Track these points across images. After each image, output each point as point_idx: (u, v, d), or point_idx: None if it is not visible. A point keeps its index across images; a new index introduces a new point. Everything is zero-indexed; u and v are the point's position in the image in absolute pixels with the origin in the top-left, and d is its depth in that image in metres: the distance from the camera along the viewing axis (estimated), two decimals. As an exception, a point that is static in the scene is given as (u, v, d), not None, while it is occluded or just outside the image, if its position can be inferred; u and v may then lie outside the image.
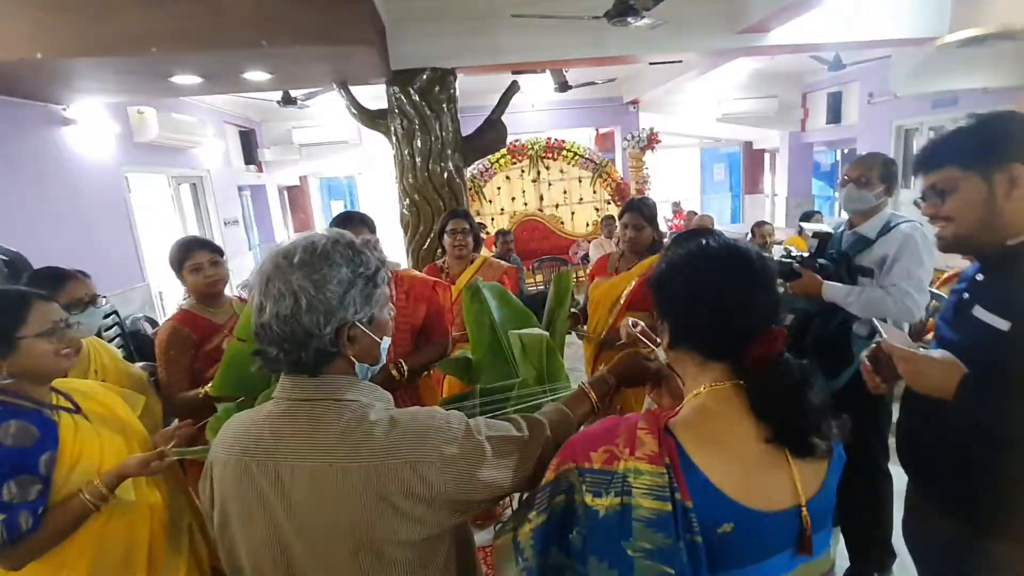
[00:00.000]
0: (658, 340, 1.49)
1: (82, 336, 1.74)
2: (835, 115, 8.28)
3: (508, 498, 2.65)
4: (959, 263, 3.60)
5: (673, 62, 5.39)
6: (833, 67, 6.13)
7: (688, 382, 0.89)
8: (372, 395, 0.90)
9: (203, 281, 1.93)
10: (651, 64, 6.04)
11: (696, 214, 6.74)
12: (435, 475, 0.83)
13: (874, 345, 1.16)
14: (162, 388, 1.84)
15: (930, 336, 3.42)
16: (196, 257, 1.93)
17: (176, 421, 1.76)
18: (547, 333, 1.67)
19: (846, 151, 9.44)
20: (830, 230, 2.13)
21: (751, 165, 10.73)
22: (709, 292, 0.83)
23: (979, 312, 1.07)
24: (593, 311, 2.45)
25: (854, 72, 7.29)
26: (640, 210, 2.33)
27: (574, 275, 2.18)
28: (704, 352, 0.85)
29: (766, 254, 0.88)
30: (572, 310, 2.58)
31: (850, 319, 1.98)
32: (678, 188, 11.05)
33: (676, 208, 9.38)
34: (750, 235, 4.73)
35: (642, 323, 1.60)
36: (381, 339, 0.92)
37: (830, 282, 1.98)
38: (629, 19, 3.07)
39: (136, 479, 1.29)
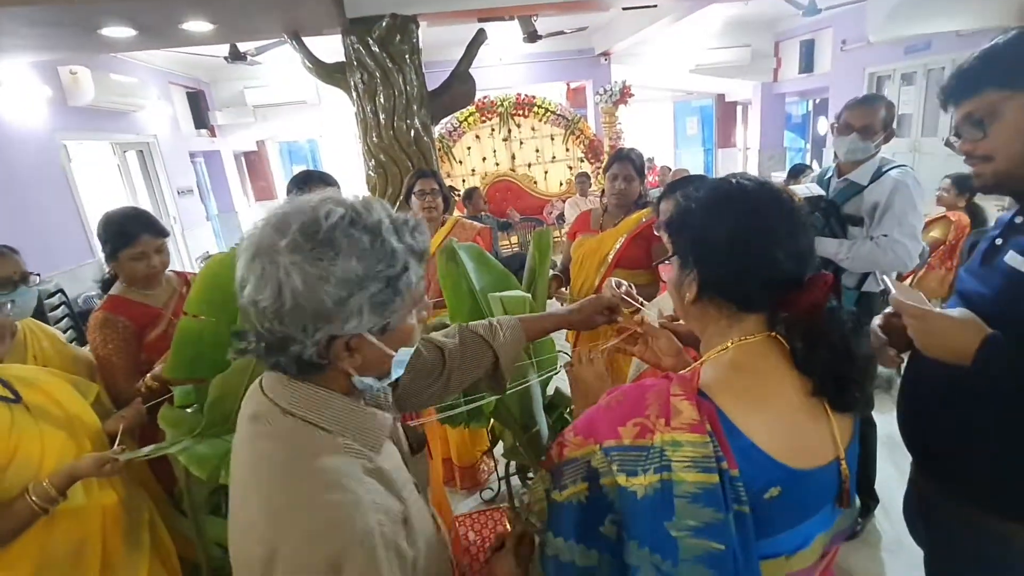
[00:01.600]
0: (643, 301, 1.41)
1: (16, 319, 1.56)
2: (808, 64, 8.19)
3: (493, 462, 2.59)
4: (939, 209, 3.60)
5: (647, 7, 5.15)
6: (808, 12, 5.97)
7: (710, 338, 0.80)
8: (350, 428, 0.70)
9: (144, 270, 1.65)
10: (624, 9, 5.78)
11: (670, 169, 6.64)
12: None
13: (887, 312, 1.05)
14: (108, 389, 1.58)
15: (908, 280, 3.45)
16: (141, 244, 1.63)
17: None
18: (529, 295, 1.56)
19: (818, 101, 9.39)
20: (822, 192, 2.04)
21: (724, 118, 10.63)
22: (750, 232, 0.73)
23: (1012, 259, 0.94)
24: (578, 271, 2.33)
25: (828, 18, 7.15)
26: (631, 159, 2.21)
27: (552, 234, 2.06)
28: (739, 302, 0.76)
29: None
30: (552, 272, 2.48)
31: (839, 270, 1.92)
32: (651, 143, 10.90)
33: (649, 164, 9.26)
34: None
35: (626, 283, 1.51)
36: (397, 351, 0.72)
37: (820, 237, 1.92)
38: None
39: (87, 481, 1.16)
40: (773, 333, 0.75)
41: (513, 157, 8.00)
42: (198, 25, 3.16)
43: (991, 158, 0.94)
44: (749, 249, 0.73)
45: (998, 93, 0.91)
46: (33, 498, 1.07)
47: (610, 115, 7.82)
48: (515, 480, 2.57)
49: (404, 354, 0.73)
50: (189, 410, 1.38)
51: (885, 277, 1.09)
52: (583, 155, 8.08)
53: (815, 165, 8.51)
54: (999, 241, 1.00)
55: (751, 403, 0.71)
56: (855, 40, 6.87)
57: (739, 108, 10.45)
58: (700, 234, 0.77)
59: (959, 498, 1.04)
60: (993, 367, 0.88)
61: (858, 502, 0.84)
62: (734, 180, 0.78)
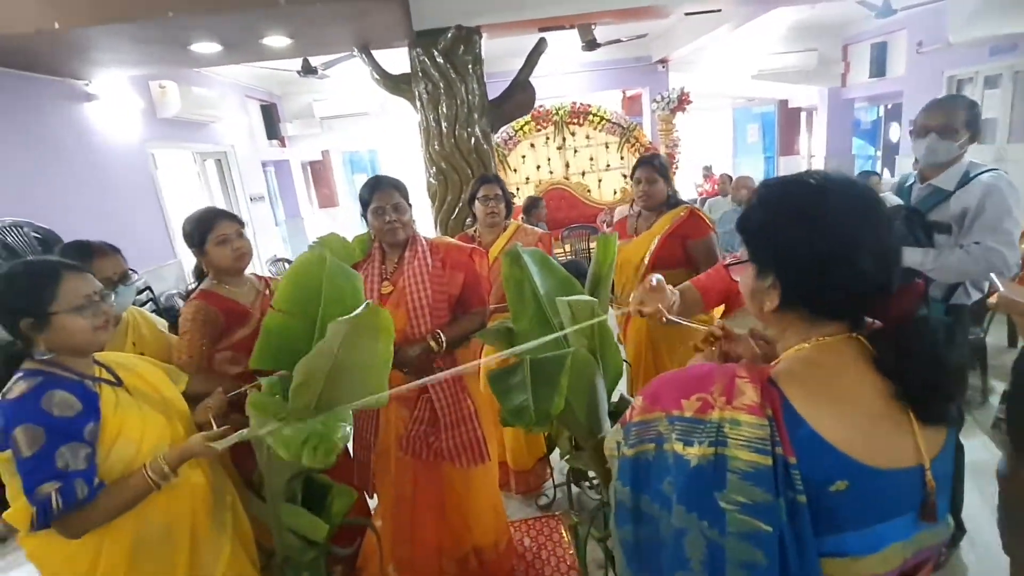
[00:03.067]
0: (691, 324, 1.37)
1: (118, 313, 1.69)
2: (879, 68, 7.79)
3: (550, 468, 2.59)
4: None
5: (711, 11, 5.06)
6: (882, 13, 5.69)
7: (790, 338, 0.78)
8: None
9: (230, 254, 1.72)
10: (687, 15, 5.69)
11: (731, 177, 6.45)
12: None
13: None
14: (176, 363, 1.63)
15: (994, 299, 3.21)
16: (221, 228, 1.72)
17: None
18: (595, 300, 1.56)
19: (890, 106, 8.91)
20: (898, 201, 1.95)
21: (786, 125, 10.24)
22: (835, 242, 0.70)
23: None
24: (618, 276, 2.39)
25: (901, 19, 6.78)
26: (651, 163, 2.29)
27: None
28: (823, 312, 0.74)
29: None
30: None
31: (926, 281, 1.81)
32: (709, 151, 10.64)
33: (707, 172, 9.03)
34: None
35: (661, 278, 1.51)
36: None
37: (905, 247, 1.82)
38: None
39: None
40: (854, 334, 0.74)
41: (567, 165, 8.00)
42: (277, 40, 3.36)
43: None
44: (834, 261, 0.70)
45: None
46: (150, 474, 1.15)
47: (667, 123, 7.70)
48: (574, 488, 2.57)
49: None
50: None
51: (993, 276, 1.05)
52: (639, 163, 7.98)
53: (886, 174, 8.06)
54: None
55: (821, 396, 0.70)
56: (932, 41, 6.49)
57: (803, 114, 10.05)
58: (781, 244, 0.74)
59: None
60: None
61: (951, 521, 0.79)
62: (813, 181, 0.74)
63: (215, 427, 1.32)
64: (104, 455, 1.15)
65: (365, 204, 1.83)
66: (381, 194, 1.81)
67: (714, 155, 10.61)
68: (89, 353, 1.22)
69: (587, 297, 1.61)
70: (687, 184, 9.99)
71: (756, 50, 8.04)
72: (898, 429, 0.70)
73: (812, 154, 9.60)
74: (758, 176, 10.95)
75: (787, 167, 10.22)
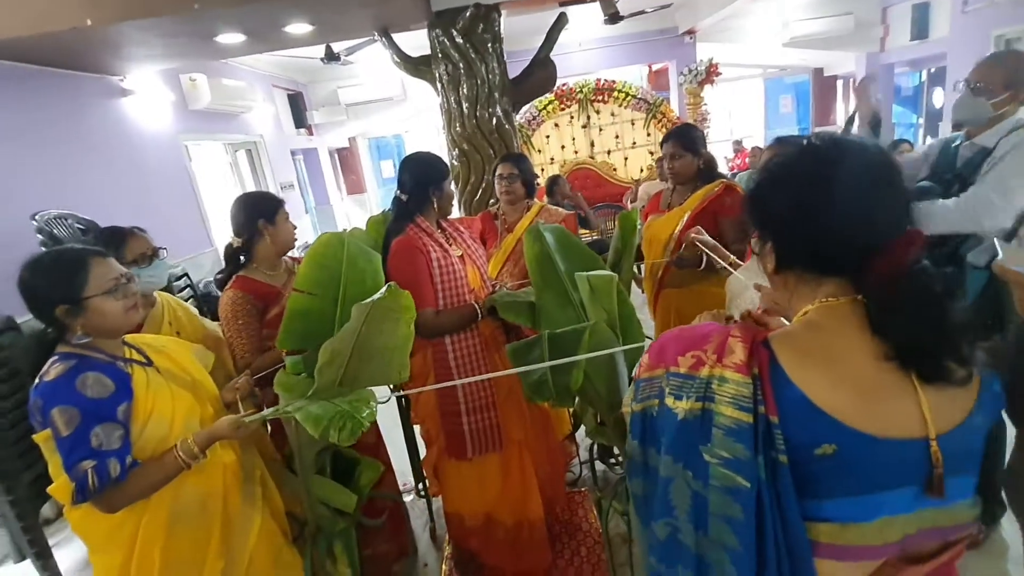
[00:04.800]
0: (732, 260, 1.39)
1: (153, 288, 1.77)
2: (921, 30, 7.39)
3: (575, 447, 2.61)
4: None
5: (737, -22, 4.86)
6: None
7: (797, 302, 0.78)
8: None
9: (293, 232, 1.89)
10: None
11: (761, 149, 6.25)
12: None
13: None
14: (236, 358, 1.77)
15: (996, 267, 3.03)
16: (285, 208, 1.88)
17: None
18: (616, 275, 1.55)
19: (933, 70, 8.44)
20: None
21: (821, 94, 9.83)
22: (819, 199, 0.70)
23: None
24: (648, 251, 2.39)
25: (947, -25, 6.41)
26: (677, 136, 2.24)
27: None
28: (818, 270, 0.74)
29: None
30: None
31: (964, 246, 1.73)
32: (740, 125, 10.32)
33: (738, 147, 8.78)
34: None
35: (705, 233, 1.46)
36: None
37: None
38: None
39: None
40: (860, 297, 0.72)
41: (592, 144, 7.88)
42: (299, 27, 3.40)
43: None
44: (815, 217, 0.71)
45: None
46: (180, 454, 1.22)
47: (695, 96, 7.49)
48: (599, 465, 2.58)
49: None
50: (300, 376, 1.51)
51: (996, 241, 1.00)
52: (666, 139, 7.81)
53: (927, 140, 7.67)
54: None
55: (815, 358, 0.70)
56: (978, 0, 6.11)
57: (839, 82, 9.62)
58: (766, 207, 0.77)
59: None
60: None
61: (977, 502, 0.77)
62: (805, 142, 0.75)
63: (241, 408, 1.38)
64: (138, 433, 1.21)
65: (443, 177, 1.85)
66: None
67: (746, 128, 10.28)
68: (122, 334, 1.28)
69: (607, 272, 1.61)
70: (718, 159, 9.74)
71: (787, 16, 7.71)
72: (900, 396, 0.68)
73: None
74: (792, 149, 10.58)
75: (823, 138, 9.84)
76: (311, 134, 7.75)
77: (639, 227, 2.45)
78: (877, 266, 0.69)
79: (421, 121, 8.11)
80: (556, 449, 2.22)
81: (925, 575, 0.76)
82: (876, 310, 0.70)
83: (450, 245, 1.86)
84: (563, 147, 7.88)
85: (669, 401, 0.77)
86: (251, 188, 6.09)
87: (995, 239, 1.03)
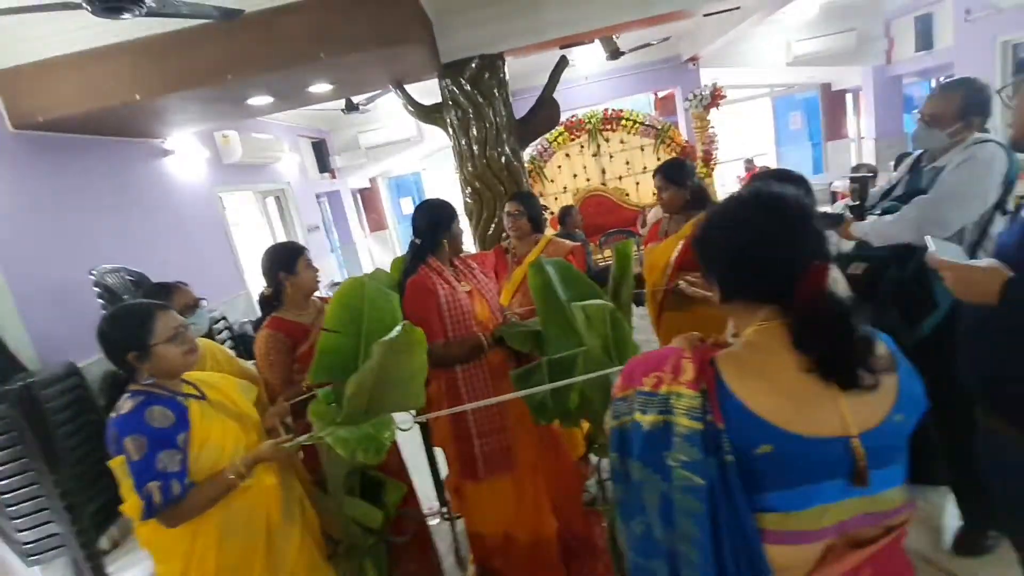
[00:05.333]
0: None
1: (196, 335, 2.00)
2: (926, 40, 7.46)
3: (590, 465, 2.73)
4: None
5: (730, 10, 5.08)
6: (917, -13, 5.51)
7: (742, 326, 0.92)
8: None
9: (314, 277, 2.09)
10: (705, 16, 5.73)
11: (768, 168, 6.36)
12: None
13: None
14: (268, 390, 1.98)
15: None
16: (307, 255, 2.09)
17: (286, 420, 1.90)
18: (608, 303, 1.71)
19: (942, 79, 8.46)
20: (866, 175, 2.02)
21: (831, 109, 9.89)
22: (746, 241, 0.87)
23: None
24: (648, 277, 2.55)
25: (945, -13, 6.51)
26: (662, 171, 2.43)
27: (635, 245, 2.24)
28: (753, 299, 0.89)
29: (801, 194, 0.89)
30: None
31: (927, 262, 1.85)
32: (751, 143, 10.43)
33: (749, 165, 8.88)
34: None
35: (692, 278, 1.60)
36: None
37: (857, 222, 1.91)
38: (674, -26, 2.96)
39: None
40: (788, 320, 0.86)
41: (603, 172, 8.08)
42: (321, 87, 3.72)
43: (1013, 125, 1.10)
44: (744, 256, 0.87)
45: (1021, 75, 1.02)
46: (229, 475, 1.41)
47: (701, 119, 7.65)
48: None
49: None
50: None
51: (929, 239, 1.13)
52: (677, 163, 7.97)
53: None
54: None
55: (752, 373, 0.85)
56: (981, 7, 6.18)
57: (848, 96, 9.69)
58: (708, 247, 0.93)
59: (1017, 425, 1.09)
60: (1016, 304, 1.00)
61: (901, 494, 0.87)
62: (736, 194, 0.94)
63: (282, 432, 1.57)
64: (194, 458, 1.40)
65: (451, 220, 2.06)
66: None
67: (757, 146, 10.39)
68: (181, 374, 1.50)
69: (600, 301, 1.77)
70: (731, 178, 9.83)
71: (789, 37, 7.89)
72: (823, 401, 0.82)
73: (862, 136, 9.24)
74: (805, 163, 10.62)
75: (835, 152, 9.86)
76: (334, 177, 8.16)
77: (639, 253, 2.61)
78: (797, 293, 0.83)
79: (437, 159, 8.47)
80: (570, 470, 2.33)
81: (869, 557, 0.88)
82: (798, 330, 0.84)
83: (459, 282, 2.05)
84: (575, 176, 8.10)
85: (637, 416, 0.90)
86: (280, 231, 6.45)
87: (928, 237, 1.15)
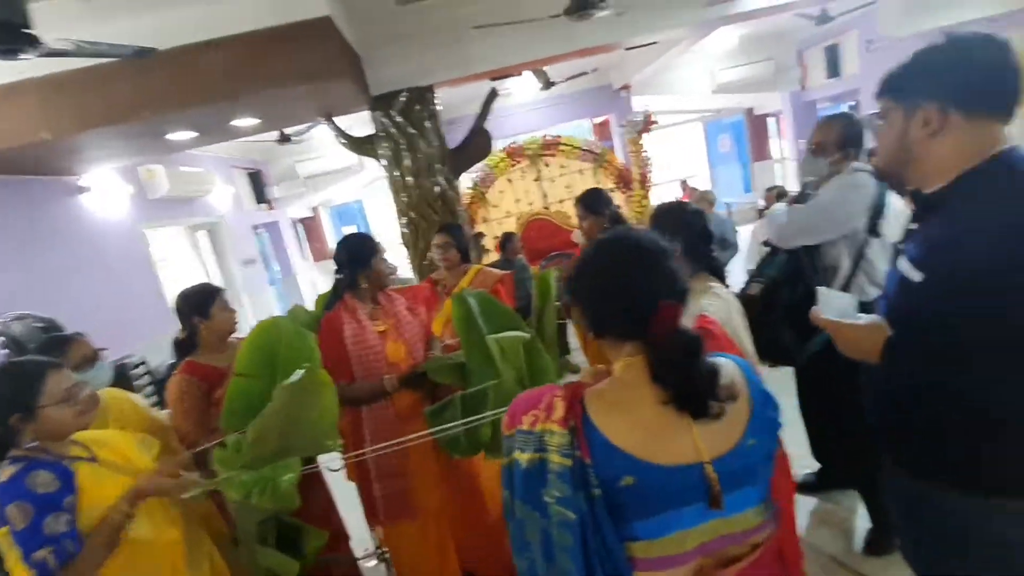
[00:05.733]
0: None
1: (96, 389, 1.89)
2: (834, 69, 8.10)
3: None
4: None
5: (649, 44, 5.37)
6: (820, 21, 6.00)
7: (612, 359, 0.97)
8: None
9: (231, 319, 2.01)
10: (627, 49, 6.03)
11: (697, 191, 6.69)
12: None
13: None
14: (181, 439, 1.88)
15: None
16: (223, 296, 2.02)
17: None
18: (522, 334, 1.74)
19: (852, 104, 9.18)
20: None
21: (756, 132, 10.52)
22: (604, 283, 0.92)
23: (902, 264, 1.04)
24: None
25: (848, 21, 7.10)
26: (581, 201, 2.56)
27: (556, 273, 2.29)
28: (616, 335, 0.94)
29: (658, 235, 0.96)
30: (556, 303, 2.75)
31: (814, 284, 1.99)
32: (685, 165, 10.92)
33: (684, 186, 9.28)
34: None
35: None
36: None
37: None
38: (590, 11, 3.12)
39: (152, 518, 1.42)
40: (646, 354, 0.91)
41: (545, 196, 8.26)
42: (246, 121, 3.66)
43: (878, 153, 1.08)
44: (605, 296, 0.93)
45: (889, 101, 1.04)
46: (112, 514, 1.33)
47: (635, 144, 7.97)
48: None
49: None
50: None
51: (819, 289, 1.20)
52: (614, 186, 8.24)
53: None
54: (901, 245, 1.10)
55: (614, 408, 0.89)
56: (881, 39, 6.77)
57: (770, 120, 10.34)
58: (576, 289, 0.98)
59: (921, 479, 1.08)
60: (895, 366, 1.01)
61: (761, 513, 0.92)
62: (599, 240, 0.99)
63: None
64: (85, 519, 1.32)
65: (369, 256, 2.03)
66: (381, 246, 2.11)
67: (691, 167, 10.88)
68: (70, 435, 1.41)
69: (515, 333, 1.81)
70: (668, 199, 10.23)
71: (713, 66, 8.39)
72: (678, 431, 0.86)
73: (784, 156, 9.85)
74: (736, 183, 11.21)
75: (761, 172, 10.46)
76: (272, 208, 7.98)
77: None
78: (650, 330, 0.88)
79: (379, 187, 8.43)
80: (483, 509, 2.18)
81: (738, 574, 0.92)
82: (654, 364, 0.88)
83: (375, 320, 2.03)
84: (517, 200, 8.24)
85: (517, 454, 0.91)
86: (213, 266, 6.22)
87: (819, 290, 1.18)
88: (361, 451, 1.84)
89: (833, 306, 1.13)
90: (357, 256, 2.03)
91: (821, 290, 1.18)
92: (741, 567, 0.92)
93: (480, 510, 2.15)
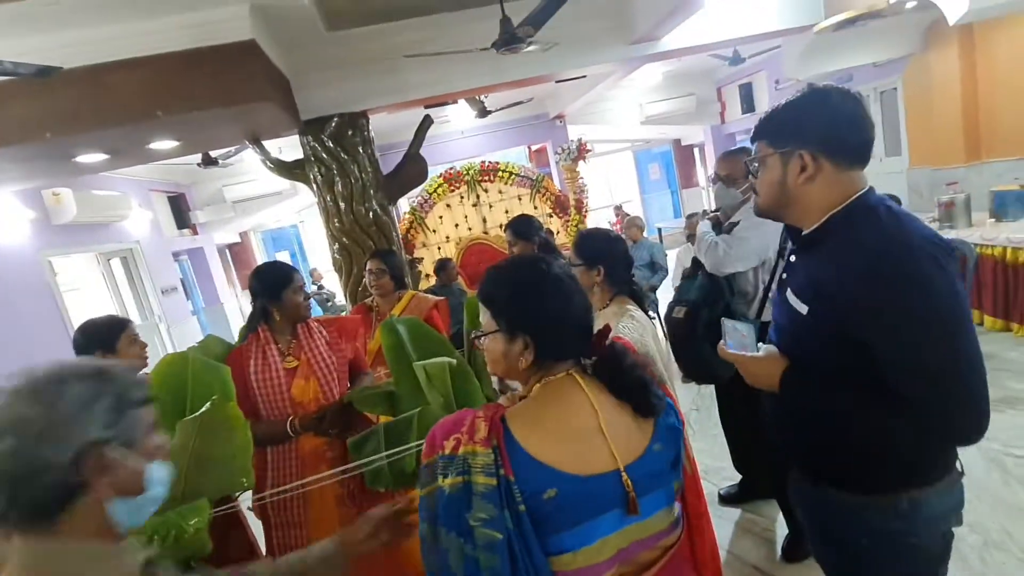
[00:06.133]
0: None
1: None
2: (749, 104, 8.75)
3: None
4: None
5: (578, 78, 5.61)
6: (733, 62, 6.50)
7: (530, 384, 0.99)
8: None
9: (140, 354, 1.87)
10: (558, 82, 6.27)
11: (628, 216, 6.99)
12: None
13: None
14: None
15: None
16: (132, 329, 1.89)
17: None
18: (449, 360, 1.73)
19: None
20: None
21: (683, 161, 11.15)
22: (557, 310, 0.95)
23: (790, 295, 1.12)
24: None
25: (758, 63, 7.73)
26: (511, 228, 2.63)
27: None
28: (561, 357, 0.96)
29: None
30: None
31: (732, 304, 2.12)
32: (619, 191, 11.37)
33: (618, 212, 9.65)
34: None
35: None
36: (149, 463, 0.77)
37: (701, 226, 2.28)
38: (518, 46, 3.22)
39: None
40: (570, 371, 0.95)
41: (484, 220, 8.33)
42: (164, 144, 3.49)
43: (758, 194, 1.17)
44: (560, 324, 0.96)
45: (766, 147, 1.12)
46: None
47: (571, 171, 8.23)
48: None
49: (161, 471, 0.79)
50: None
51: (724, 321, 1.27)
52: (551, 211, 8.44)
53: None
54: (784, 276, 1.20)
55: (535, 424, 0.91)
56: (787, 80, 7.41)
57: (696, 150, 11.00)
58: (516, 321, 0.96)
59: (819, 483, 1.19)
60: (793, 395, 1.12)
61: (671, 514, 0.98)
62: (541, 266, 1.00)
63: None
64: None
65: (280, 288, 1.90)
66: (297, 276, 1.97)
67: (624, 194, 11.35)
68: None
69: (442, 359, 1.79)
70: (603, 223, 10.60)
71: (641, 99, 8.85)
72: (592, 441, 0.90)
73: (709, 184, 10.47)
74: (667, 209, 11.78)
75: (689, 198, 11.06)
76: (195, 233, 7.59)
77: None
78: (595, 347, 0.96)
79: (315, 212, 8.23)
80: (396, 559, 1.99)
81: None
82: (604, 375, 0.95)
83: (287, 356, 1.93)
84: (457, 225, 8.26)
85: (439, 480, 0.89)
86: (128, 295, 5.82)
87: (724, 323, 1.24)
88: (262, 495, 1.73)
89: (736, 337, 1.21)
90: (269, 287, 1.92)
91: (725, 322, 1.25)
92: (655, 571, 0.96)
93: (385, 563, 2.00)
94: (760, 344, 1.20)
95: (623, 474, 0.90)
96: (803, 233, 1.13)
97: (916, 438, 1.04)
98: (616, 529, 0.91)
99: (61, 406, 0.70)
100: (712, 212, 2.38)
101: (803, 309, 1.08)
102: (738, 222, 2.14)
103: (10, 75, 2.19)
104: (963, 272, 3.41)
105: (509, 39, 3.11)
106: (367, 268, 2.75)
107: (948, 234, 4.04)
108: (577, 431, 0.91)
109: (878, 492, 1.09)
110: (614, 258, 1.77)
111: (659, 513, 0.96)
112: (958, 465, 1.11)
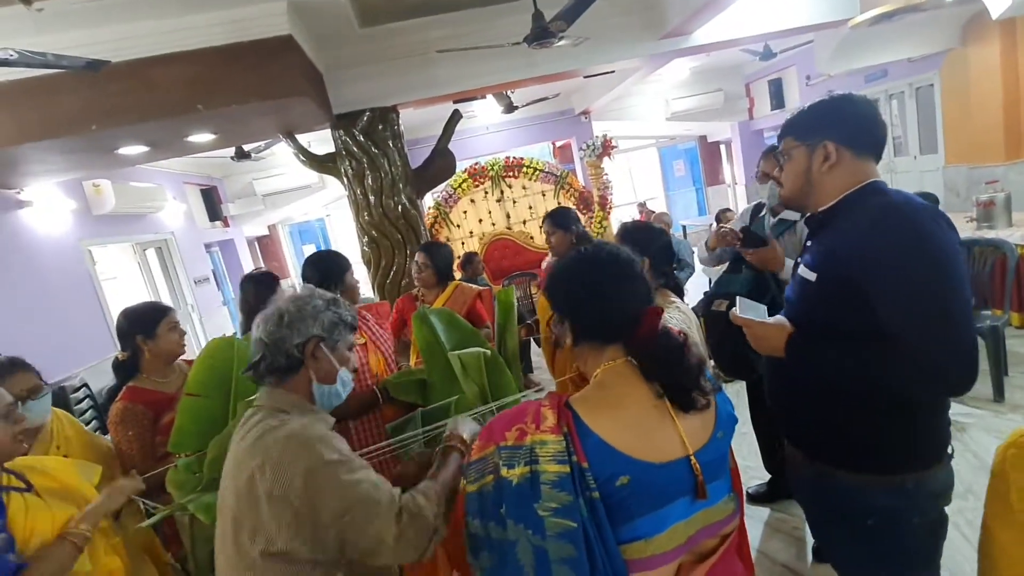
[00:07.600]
0: None
1: (32, 425, 1.75)
2: (778, 100, 8.58)
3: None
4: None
5: (606, 73, 5.58)
6: (764, 56, 6.38)
7: (590, 367, 1.00)
8: (309, 416, 1.11)
9: (178, 341, 1.92)
10: (586, 77, 6.25)
11: (654, 213, 6.93)
12: (299, 481, 0.98)
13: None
14: (127, 468, 1.73)
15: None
16: (172, 316, 1.93)
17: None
18: (484, 350, 1.76)
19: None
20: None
21: (709, 158, 11.00)
22: (594, 292, 0.97)
23: (802, 270, 1.21)
24: (542, 318, 2.62)
25: (789, 58, 7.59)
26: (550, 217, 2.61)
27: (515, 291, 2.35)
28: (601, 340, 0.98)
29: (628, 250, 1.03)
30: (528, 322, 2.81)
31: (777, 299, 2.10)
32: (643, 188, 11.28)
33: (642, 209, 9.57)
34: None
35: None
36: (340, 368, 1.17)
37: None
38: (549, 40, 3.23)
39: (93, 547, 1.34)
40: (629, 358, 0.96)
41: (508, 216, 8.35)
42: (201, 137, 3.58)
43: (783, 185, 1.27)
44: (592, 303, 0.97)
45: (793, 141, 1.22)
46: (70, 537, 1.26)
47: (595, 167, 8.20)
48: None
49: (346, 375, 1.19)
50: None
51: (738, 298, 1.32)
52: (575, 208, 8.42)
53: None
54: (799, 259, 1.27)
55: (605, 409, 0.91)
56: (818, 75, 7.26)
57: (722, 146, 10.84)
58: (560, 297, 1.02)
59: (817, 460, 1.25)
60: (797, 358, 1.18)
61: (731, 501, 0.99)
62: (580, 250, 1.03)
63: (141, 506, 1.43)
64: (20, 555, 1.23)
65: (337, 275, 2.01)
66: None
67: (649, 191, 11.26)
68: (6, 461, 1.33)
69: (476, 349, 1.82)
70: (625, 219, 10.54)
71: (667, 95, 8.76)
72: (664, 428, 0.91)
73: (736, 182, 10.31)
74: (692, 206, 11.65)
75: (714, 196, 10.92)
76: (227, 226, 7.76)
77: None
78: (638, 332, 0.95)
79: (342, 205, 8.33)
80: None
81: (712, 566, 0.96)
82: (643, 363, 0.94)
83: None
84: (480, 220, 8.30)
85: (503, 472, 0.88)
86: (162, 285, 5.98)
87: (737, 296, 1.34)
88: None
89: (748, 311, 1.28)
90: (330, 272, 2.01)
91: (740, 299, 1.33)
92: (712, 562, 0.96)
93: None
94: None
95: (693, 460, 0.90)
96: (817, 214, 1.22)
97: (912, 400, 1.11)
98: (687, 516, 0.91)
99: (305, 309, 1.14)
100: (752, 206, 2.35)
101: (812, 277, 1.16)
102: (790, 223, 2.12)
103: (61, 68, 2.28)
104: (1003, 272, 3.32)
105: (541, 33, 3.11)
106: (415, 260, 2.80)
107: (988, 234, 3.92)
108: (646, 417, 0.91)
109: (885, 472, 1.15)
110: (658, 250, 1.77)
111: (724, 499, 0.97)
112: (949, 449, 1.19)
